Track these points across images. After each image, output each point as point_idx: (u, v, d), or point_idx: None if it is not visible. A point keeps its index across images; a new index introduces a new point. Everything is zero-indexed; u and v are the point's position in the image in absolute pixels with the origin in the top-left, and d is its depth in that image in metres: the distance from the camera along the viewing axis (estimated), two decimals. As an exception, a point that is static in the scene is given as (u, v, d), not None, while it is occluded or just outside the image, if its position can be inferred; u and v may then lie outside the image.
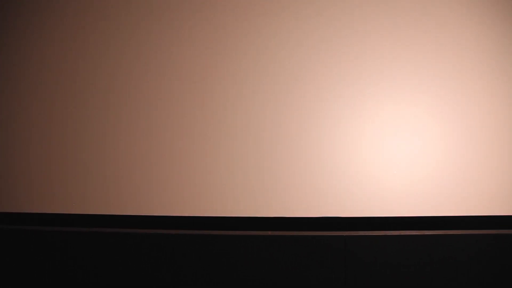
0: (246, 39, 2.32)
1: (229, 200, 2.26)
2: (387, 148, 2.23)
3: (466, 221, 2.19)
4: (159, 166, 2.30)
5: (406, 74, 2.25)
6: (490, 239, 2.11)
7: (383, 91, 2.24)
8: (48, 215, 2.36)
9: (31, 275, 2.24)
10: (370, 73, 2.26)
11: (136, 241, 2.21)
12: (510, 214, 2.18)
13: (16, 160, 2.39)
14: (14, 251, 2.26)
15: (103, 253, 2.21)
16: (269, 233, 2.19)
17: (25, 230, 2.29)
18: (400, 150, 2.22)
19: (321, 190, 2.23)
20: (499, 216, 2.18)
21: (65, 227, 2.30)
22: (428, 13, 2.26)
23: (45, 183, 2.36)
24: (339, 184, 2.23)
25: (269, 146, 2.27)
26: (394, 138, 2.23)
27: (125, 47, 2.37)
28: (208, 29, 2.34)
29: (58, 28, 2.42)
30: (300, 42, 2.29)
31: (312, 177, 2.24)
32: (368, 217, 2.21)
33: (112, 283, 2.20)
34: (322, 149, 2.25)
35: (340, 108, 2.25)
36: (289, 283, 2.13)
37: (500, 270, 2.08)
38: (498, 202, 2.18)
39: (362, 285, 2.11)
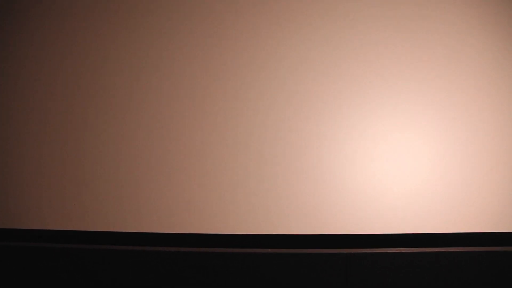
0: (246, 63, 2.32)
1: (229, 218, 2.25)
2: (387, 165, 2.22)
3: (470, 238, 2.17)
4: (159, 183, 2.29)
5: (406, 93, 2.24)
6: (494, 256, 2.10)
7: (383, 109, 2.24)
8: (47, 232, 2.34)
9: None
10: (369, 90, 2.25)
11: (135, 258, 2.20)
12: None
13: (13, 175, 2.39)
14: (14, 268, 2.25)
15: (101, 271, 2.20)
16: (269, 250, 2.17)
17: (22, 247, 2.28)
18: (401, 167, 2.22)
19: (321, 208, 2.22)
20: (504, 233, 2.17)
21: (64, 244, 2.29)
22: (435, 28, 2.26)
23: (44, 199, 2.35)
24: (339, 202, 2.21)
25: (269, 163, 2.26)
26: (395, 155, 2.22)
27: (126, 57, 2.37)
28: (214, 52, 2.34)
29: (58, 31, 2.42)
30: (296, 65, 2.30)
31: (312, 195, 2.23)
32: (370, 234, 2.20)
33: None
34: (323, 166, 2.24)
35: (340, 125, 2.25)
36: (290, 302, 2.12)
37: (504, 288, 2.07)
38: (502, 218, 2.17)
39: (364, 303, 2.10)
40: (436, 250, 2.13)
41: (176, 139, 2.31)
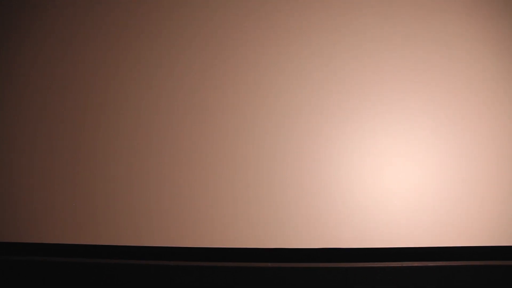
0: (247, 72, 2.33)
1: (228, 231, 2.24)
2: (387, 179, 2.21)
3: (472, 252, 2.16)
4: (158, 196, 2.29)
5: (406, 107, 2.25)
6: (496, 270, 2.08)
7: (383, 123, 2.24)
8: (48, 245, 2.33)
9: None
10: (368, 105, 2.26)
11: (134, 272, 2.18)
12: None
13: (16, 190, 2.38)
14: (12, 283, 2.23)
15: (100, 285, 2.18)
16: (269, 264, 2.16)
17: (19, 261, 2.27)
18: (401, 180, 2.21)
19: (321, 221, 2.21)
20: (505, 247, 2.15)
21: (63, 258, 2.28)
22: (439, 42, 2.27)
23: (43, 213, 2.34)
24: (339, 215, 2.20)
25: (268, 177, 2.25)
26: (394, 169, 2.21)
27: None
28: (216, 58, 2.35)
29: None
30: (293, 80, 2.30)
31: (312, 208, 2.22)
32: (370, 248, 2.18)
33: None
34: (323, 180, 2.23)
35: (339, 139, 2.25)
36: (290, 316, 2.10)
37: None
38: (503, 232, 2.16)
39: (364, 318, 2.07)
40: (438, 264, 2.11)
41: (175, 153, 2.31)
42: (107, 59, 2.39)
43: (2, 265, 2.27)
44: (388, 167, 2.22)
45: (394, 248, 2.17)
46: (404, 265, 2.11)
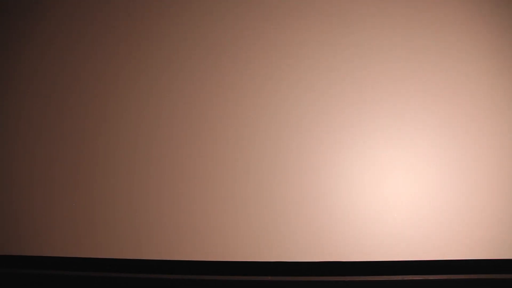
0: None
1: (228, 245, 2.23)
2: (387, 191, 2.20)
3: (473, 265, 2.14)
4: (157, 209, 2.28)
5: (408, 119, 2.23)
6: (497, 284, 2.06)
7: (383, 135, 2.23)
8: (45, 258, 2.33)
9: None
10: (369, 117, 2.24)
11: (134, 285, 2.18)
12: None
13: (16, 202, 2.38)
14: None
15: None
16: (269, 278, 2.15)
17: (19, 274, 2.27)
18: (401, 193, 2.19)
19: (321, 234, 2.20)
20: (507, 260, 2.13)
21: (62, 271, 2.28)
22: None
23: (42, 225, 2.35)
24: (339, 228, 2.19)
25: (268, 189, 2.24)
26: (395, 181, 2.20)
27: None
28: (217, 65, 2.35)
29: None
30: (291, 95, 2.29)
31: (312, 221, 2.21)
32: (370, 261, 2.17)
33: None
34: (322, 193, 2.22)
35: (340, 151, 2.24)
36: (290, 331, 2.09)
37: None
38: (505, 245, 2.14)
39: (365, 333, 2.06)
40: (439, 278, 2.10)
41: (175, 166, 2.30)
42: (109, 67, 2.39)
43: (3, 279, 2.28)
44: (388, 180, 2.20)
45: (395, 261, 2.16)
46: (405, 278, 2.10)
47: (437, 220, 2.16)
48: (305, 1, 2.33)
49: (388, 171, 2.21)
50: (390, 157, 2.21)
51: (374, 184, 2.20)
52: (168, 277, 2.20)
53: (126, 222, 2.29)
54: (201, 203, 2.27)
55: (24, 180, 2.38)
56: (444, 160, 2.19)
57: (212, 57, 2.35)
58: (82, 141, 2.36)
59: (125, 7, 2.42)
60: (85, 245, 2.31)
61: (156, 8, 2.40)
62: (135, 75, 2.38)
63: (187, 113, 2.33)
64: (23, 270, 2.31)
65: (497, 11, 2.26)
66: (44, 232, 2.34)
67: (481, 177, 2.17)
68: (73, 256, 2.32)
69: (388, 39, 2.27)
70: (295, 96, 2.28)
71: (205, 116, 2.32)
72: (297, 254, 2.20)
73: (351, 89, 2.26)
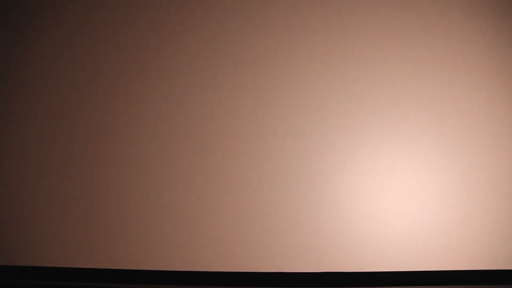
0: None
1: (228, 255, 2.22)
2: (387, 202, 2.18)
3: (472, 276, 2.13)
4: (158, 220, 2.27)
5: (409, 130, 2.21)
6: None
7: (384, 146, 2.21)
8: (44, 269, 2.33)
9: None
10: (367, 126, 2.22)
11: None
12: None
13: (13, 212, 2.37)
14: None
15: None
16: (269, 289, 2.15)
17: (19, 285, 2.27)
18: (401, 203, 2.18)
19: (321, 245, 2.19)
20: (506, 271, 2.13)
21: (62, 282, 2.27)
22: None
23: (42, 236, 2.34)
24: (339, 239, 2.18)
25: (268, 201, 2.23)
26: (394, 191, 2.18)
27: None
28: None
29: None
30: (291, 106, 2.27)
31: (312, 232, 2.20)
32: (370, 272, 2.16)
33: None
34: (322, 203, 2.21)
35: (339, 162, 2.22)
36: None
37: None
38: (504, 256, 2.13)
39: None
40: (440, 288, 2.10)
41: (174, 176, 2.29)
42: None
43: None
44: (388, 190, 2.19)
45: (395, 272, 2.15)
46: (406, 289, 2.10)
47: (438, 231, 2.15)
48: (306, 2, 2.30)
49: (388, 180, 2.19)
50: (390, 166, 2.20)
51: (374, 194, 2.19)
52: (167, 287, 2.19)
53: (125, 233, 2.28)
54: (201, 214, 2.25)
55: (16, 184, 2.37)
56: (445, 169, 2.18)
57: (212, 58, 2.32)
58: (79, 145, 2.34)
59: (126, 7, 2.38)
60: (83, 256, 2.30)
61: (159, 9, 2.37)
62: (135, 76, 2.35)
63: (187, 121, 2.31)
64: (22, 280, 2.30)
65: (498, 9, 2.23)
66: (41, 241, 2.33)
67: (482, 187, 2.15)
68: (71, 267, 2.31)
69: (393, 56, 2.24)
70: (294, 108, 2.26)
71: (205, 126, 2.29)
72: (296, 264, 2.19)
73: (351, 100, 2.24)
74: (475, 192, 2.16)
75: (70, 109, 2.37)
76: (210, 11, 2.34)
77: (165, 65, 2.34)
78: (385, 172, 2.19)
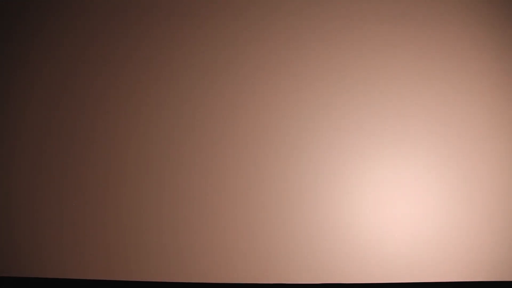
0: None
1: (228, 267, 2.23)
2: (388, 213, 2.19)
3: (472, 287, 2.14)
4: (159, 232, 2.27)
5: (410, 141, 2.23)
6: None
7: (385, 157, 2.22)
8: (47, 280, 2.33)
9: None
10: (369, 138, 2.24)
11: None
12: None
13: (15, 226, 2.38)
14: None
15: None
16: (270, 300, 2.15)
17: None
18: (402, 215, 2.19)
19: (322, 257, 2.19)
20: (505, 282, 2.14)
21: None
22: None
23: (43, 248, 2.34)
24: (340, 250, 2.19)
25: (269, 212, 2.23)
26: (396, 203, 2.19)
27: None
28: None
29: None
30: (293, 118, 2.28)
31: (313, 244, 2.20)
32: (371, 283, 2.17)
33: None
34: (323, 215, 2.21)
35: (341, 173, 2.23)
36: None
37: None
38: (504, 267, 2.14)
39: None
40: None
41: (174, 189, 2.29)
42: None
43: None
44: (389, 202, 2.20)
45: (396, 283, 2.16)
46: (405, 300, 2.10)
47: (439, 242, 2.16)
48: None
49: (389, 192, 2.20)
50: (391, 178, 2.21)
51: (375, 206, 2.20)
52: (169, 299, 2.19)
53: (121, 243, 2.29)
54: (201, 226, 2.26)
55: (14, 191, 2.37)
56: (446, 182, 2.19)
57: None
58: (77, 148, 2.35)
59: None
60: (83, 268, 2.30)
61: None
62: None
63: (187, 122, 2.32)
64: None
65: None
66: (43, 254, 2.33)
67: (482, 199, 2.16)
68: (73, 278, 2.31)
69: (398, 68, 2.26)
70: (297, 121, 2.27)
71: (205, 130, 2.30)
72: (298, 276, 2.20)
73: (352, 114, 2.25)
74: (477, 203, 2.17)
75: (70, 109, 2.38)
76: (213, 15, 2.35)
77: (165, 66, 2.35)
78: (387, 183, 2.20)
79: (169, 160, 2.30)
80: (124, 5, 2.38)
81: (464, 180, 2.19)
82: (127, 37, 2.38)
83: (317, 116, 2.26)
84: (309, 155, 2.25)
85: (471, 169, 2.19)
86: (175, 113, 2.33)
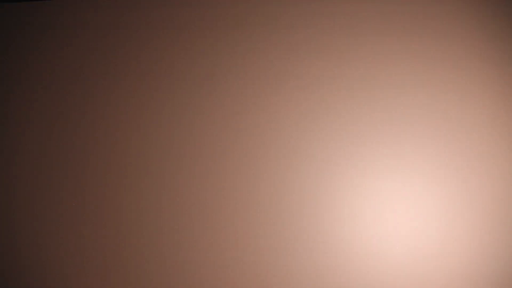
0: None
1: (228, 277, 2.23)
2: (389, 225, 2.18)
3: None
4: (160, 244, 2.28)
5: (411, 151, 2.20)
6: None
7: (385, 169, 2.20)
8: None
9: None
10: (369, 150, 2.22)
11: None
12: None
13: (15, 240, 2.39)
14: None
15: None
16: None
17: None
18: (402, 227, 2.17)
19: (322, 267, 2.19)
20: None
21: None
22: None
23: (43, 262, 2.35)
24: (340, 261, 2.18)
25: (269, 223, 2.23)
26: (396, 215, 2.18)
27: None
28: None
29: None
30: (292, 128, 2.26)
31: (313, 255, 2.20)
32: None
33: None
34: (324, 227, 2.20)
35: (341, 185, 2.21)
36: None
37: None
38: (502, 281, 2.13)
39: None
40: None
41: (177, 203, 2.29)
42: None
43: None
44: (390, 214, 2.18)
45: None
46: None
47: (439, 254, 2.15)
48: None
49: (389, 204, 2.18)
50: (392, 190, 2.19)
51: (375, 218, 2.18)
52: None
53: (127, 258, 2.29)
54: (201, 238, 2.26)
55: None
56: (446, 194, 2.17)
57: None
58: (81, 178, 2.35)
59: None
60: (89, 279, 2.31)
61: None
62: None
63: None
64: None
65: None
66: (45, 269, 2.35)
67: (483, 211, 2.14)
68: None
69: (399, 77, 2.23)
70: (298, 133, 2.26)
71: (206, 153, 2.29)
72: (297, 285, 2.19)
73: (353, 125, 2.23)
74: (478, 216, 2.15)
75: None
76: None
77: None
78: (386, 196, 2.19)
79: (169, 163, 2.30)
80: (127, 7, 2.36)
81: (465, 186, 2.17)
82: (128, 40, 2.36)
83: (317, 121, 2.25)
84: (310, 161, 2.24)
85: (472, 174, 2.17)
86: (176, 116, 2.31)
